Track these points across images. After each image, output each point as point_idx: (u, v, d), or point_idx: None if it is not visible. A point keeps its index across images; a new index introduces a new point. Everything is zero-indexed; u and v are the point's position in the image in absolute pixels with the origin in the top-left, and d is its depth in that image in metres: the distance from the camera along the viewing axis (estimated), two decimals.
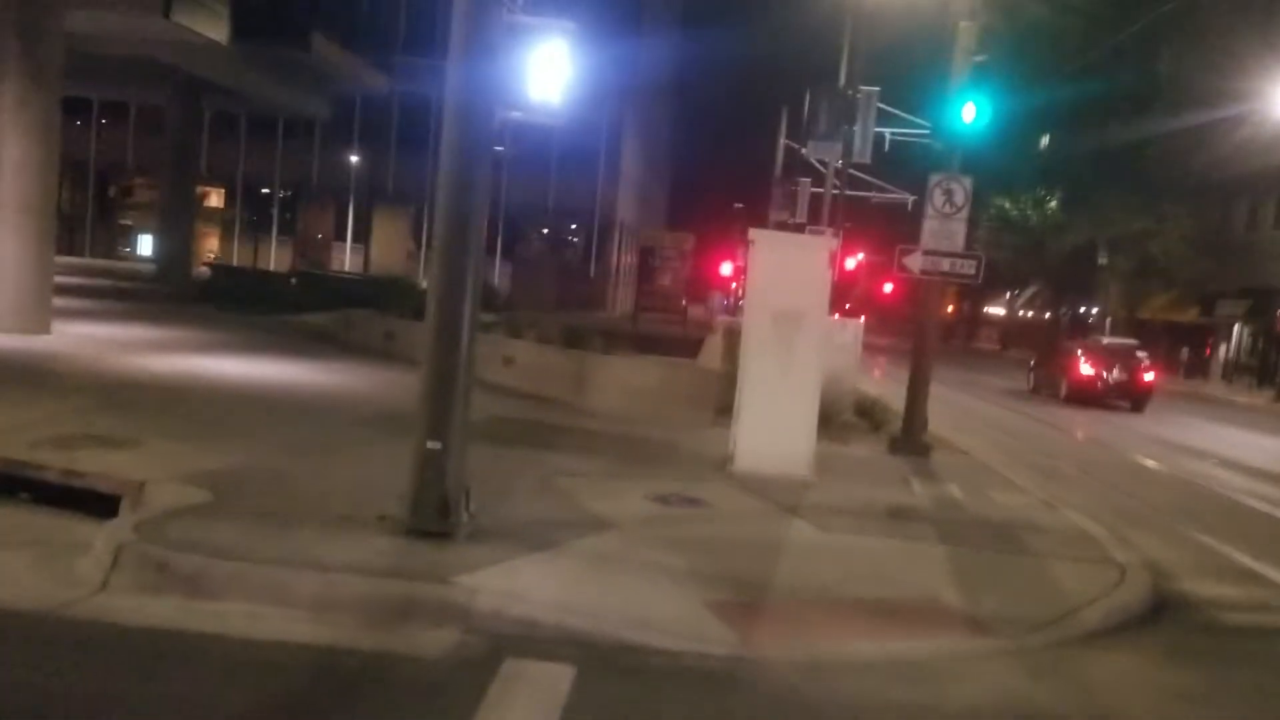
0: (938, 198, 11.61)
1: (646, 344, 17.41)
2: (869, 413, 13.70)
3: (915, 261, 11.61)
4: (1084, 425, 19.50)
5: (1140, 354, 24.65)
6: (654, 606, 5.48)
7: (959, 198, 11.57)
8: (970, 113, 11.64)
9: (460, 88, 6.07)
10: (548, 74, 5.84)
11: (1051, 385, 24.85)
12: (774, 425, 9.22)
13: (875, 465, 10.84)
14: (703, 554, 6.55)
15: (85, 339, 14.73)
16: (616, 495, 7.90)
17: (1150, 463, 14.49)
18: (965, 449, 12.74)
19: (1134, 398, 23.58)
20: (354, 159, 45.05)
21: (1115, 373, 23.46)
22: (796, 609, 5.80)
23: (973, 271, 11.71)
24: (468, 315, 6.15)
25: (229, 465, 7.52)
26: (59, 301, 16.04)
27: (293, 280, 30.96)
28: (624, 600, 5.53)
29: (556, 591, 5.51)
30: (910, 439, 11.68)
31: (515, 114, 5.90)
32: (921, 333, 12.17)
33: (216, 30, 19.76)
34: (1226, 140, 37.32)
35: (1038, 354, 29.32)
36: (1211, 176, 39.25)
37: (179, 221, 28.35)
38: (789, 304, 9.15)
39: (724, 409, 11.07)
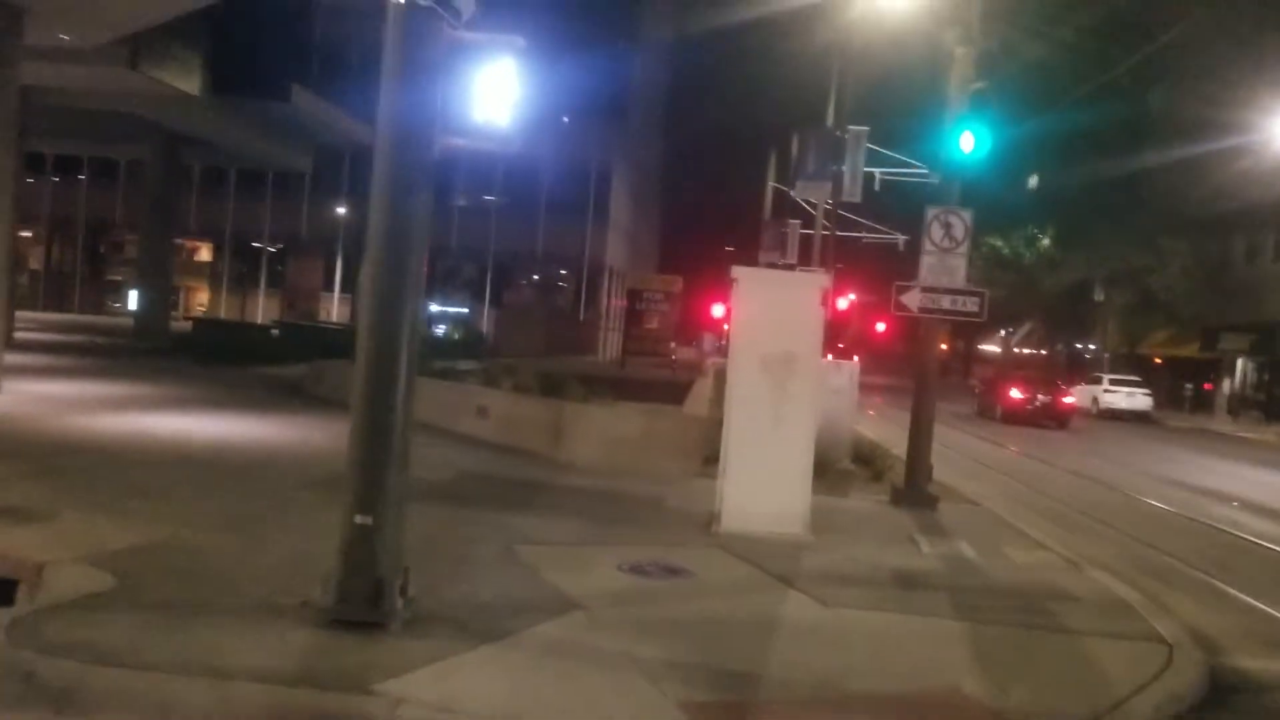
0: (936, 231, 10.81)
1: (631, 389, 16.56)
2: (869, 459, 12.80)
3: (913, 299, 10.78)
4: (1067, 456, 18.59)
5: (1060, 382, 30.64)
6: (620, 712, 4.56)
7: (958, 231, 10.78)
8: (969, 142, 10.90)
9: (395, 112, 5.25)
10: (495, 95, 5.01)
11: (990, 409, 29.11)
12: (765, 479, 8.32)
13: (878, 520, 9.92)
14: (682, 639, 5.63)
15: (37, 398, 13.84)
16: (586, 566, 6.98)
17: (1168, 507, 13.57)
18: (974, 498, 11.81)
19: (1056, 418, 27.91)
20: (341, 210, 44.56)
21: (1040, 397, 28.19)
22: (790, 712, 4.87)
23: (975, 309, 10.89)
24: (404, 367, 5.29)
25: (147, 541, 6.60)
26: (21, 359, 15.25)
27: (274, 331, 30.11)
28: (585, 704, 4.61)
29: (503, 698, 4.58)
30: (914, 489, 10.77)
31: (458, 141, 5.05)
32: (922, 374, 11.30)
33: (188, 82, 19.12)
34: (1224, 173, 36.83)
35: (982, 384, 33.78)
36: (1209, 210, 38.72)
37: (158, 276, 27.61)
38: (779, 347, 8.30)
39: (712, 458, 10.21)
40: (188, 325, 31.39)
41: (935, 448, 11.29)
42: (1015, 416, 27.45)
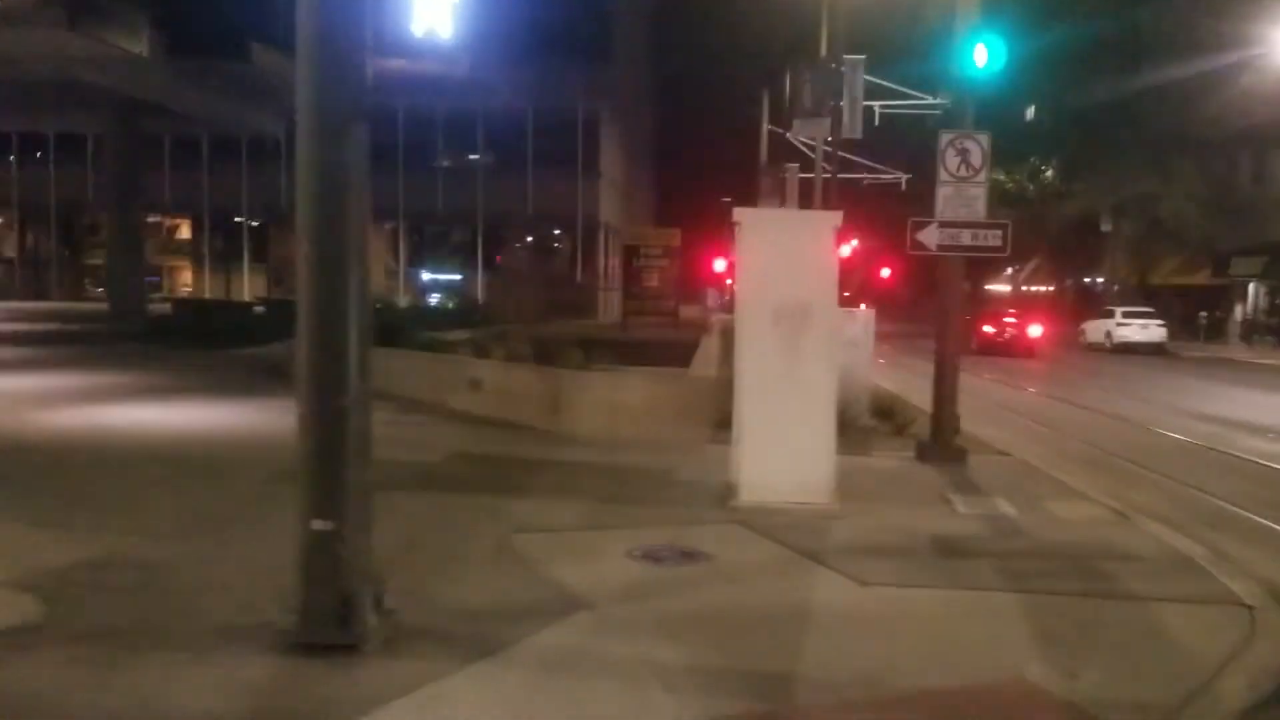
0: (951, 159, 9.95)
1: (634, 352, 15.74)
2: (888, 413, 12.02)
3: (931, 236, 9.95)
4: (1088, 393, 17.82)
5: (1028, 318, 33.31)
6: None
7: (976, 158, 9.92)
8: (983, 55, 10.01)
9: (316, 29, 4.39)
10: (434, 4, 4.14)
11: (968, 343, 31.12)
12: (784, 445, 7.55)
13: (906, 479, 9.17)
14: (704, 638, 4.90)
15: None
16: (593, 555, 6.24)
17: (1203, 444, 12.82)
18: (1003, 448, 11.05)
19: (1023, 350, 30.83)
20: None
21: (1009, 332, 31.59)
22: (838, 717, 4.15)
23: (999, 243, 10.05)
24: (355, 339, 4.50)
25: (90, 556, 5.85)
26: None
27: (258, 309, 29.19)
28: None
29: None
30: (942, 443, 10.00)
31: (395, 62, 4.19)
32: (944, 319, 10.48)
33: (134, 43, 18.07)
34: (1228, 91, 35.72)
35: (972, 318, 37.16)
36: (1215, 131, 37.62)
37: (129, 255, 26.57)
38: (791, 297, 7.49)
39: (724, 421, 9.44)
40: (168, 307, 30.46)
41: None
42: (988, 349, 30.46)
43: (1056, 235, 46.61)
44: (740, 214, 7.68)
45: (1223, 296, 39.38)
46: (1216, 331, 38.53)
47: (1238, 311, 38.55)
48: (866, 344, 11.89)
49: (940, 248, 9.93)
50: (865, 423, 11.27)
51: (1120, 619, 5.40)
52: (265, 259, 46.02)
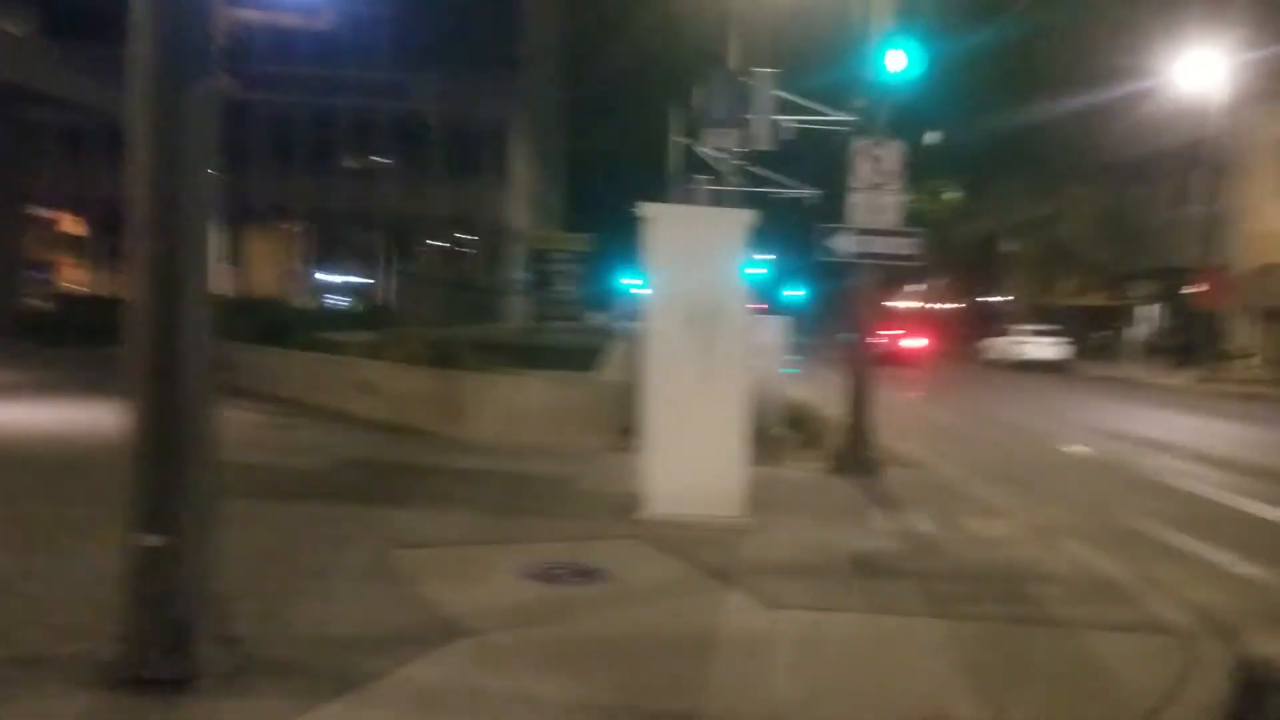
0: (863, 167, 9.64)
1: (539, 357, 15.13)
2: (799, 422, 11.67)
3: (844, 242, 9.62)
4: (995, 408, 17.86)
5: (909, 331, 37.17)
6: None
7: (889, 164, 9.64)
8: (899, 60, 9.71)
9: None
10: None
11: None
12: (693, 454, 7.06)
13: (820, 491, 8.78)
14: (599, 668, 4.35)
15: None
16: (480, 574, 5.64)
17: (1111, 461, 12.78)
18: (917, 460, 10.77)
19: (907, 360, 33.35)
20: (217, 175, 41.53)
21: (895, 343, 33.71)
22: None
23: (911, 251, 9.80)
24: (190, 331, 3.85)
25: None
26: None
27: None
28: None
29: None
30: (856, 455, 9.66)
31: (247, 11, 3.61)
32: (860, 329, 10.15)
33: (10, 22, 16.81)
34: (1125, 120, 36.76)
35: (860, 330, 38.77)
36: (1113, 157, 38.69)
37: (3, 250, 24.95)
38: (702, 299, 7.02)
39: (630, 428, 8.93)
40: (47, 304, 28.75)
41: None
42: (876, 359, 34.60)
43: (961, 254, 47.43)
44: (648, 209, 7.16)
45: (1118, 317, 40.43)
46: (1112, 351, 39.51)
47: (1133, 332, 39.57)
48: (779, 351, 11.51)
49: (854, 255, 9.59)
50: (777, 432, 10.87)
51: (1049, 648, 5.02)
52: None
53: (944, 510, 8.14)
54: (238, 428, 10.65)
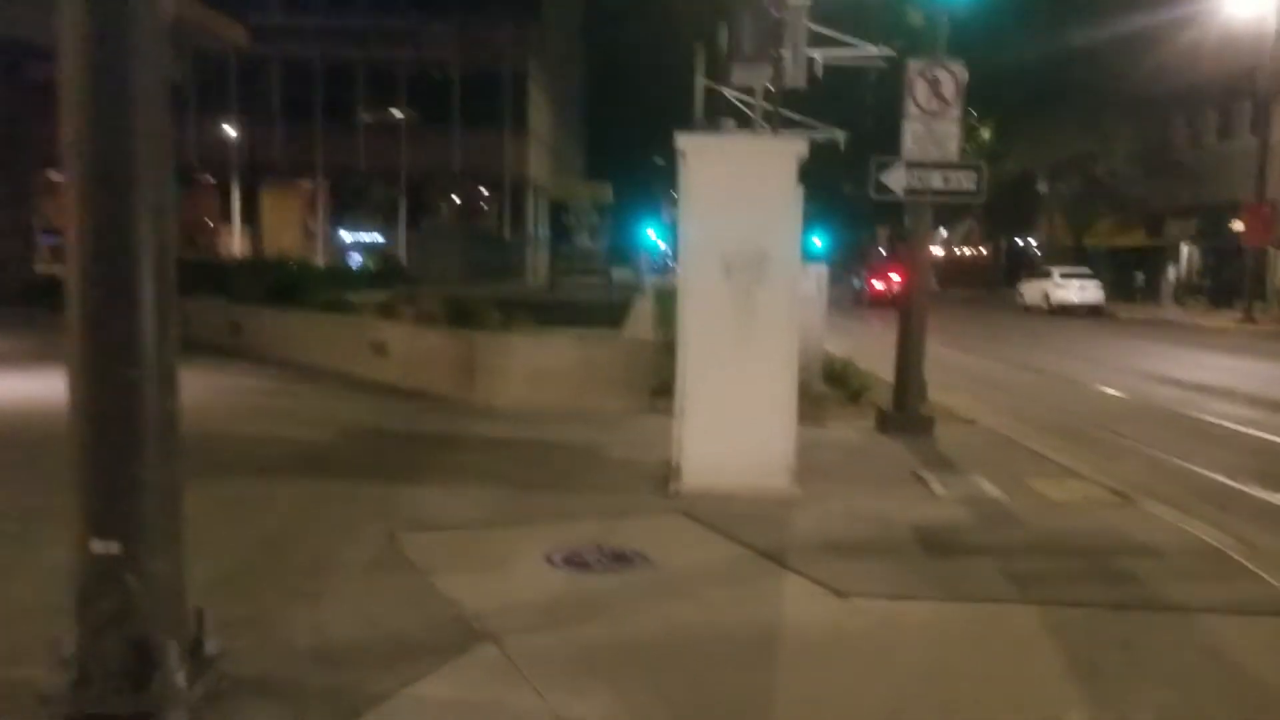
0: (920, 91, 8.78)
1: (562, 314, 14.46)
2: (841, 379, 10.93)
3: (897, 178, 8.79)
4: (1036, 355, 17.01)
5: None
6: None
7: (949, 89, 8.76)
8: None
9: None
10: None
11: (863, 297, 37.92)
12: (735, 420, 6.36)
13: (870, 453, 8.07)
14: (647, 679, 3.69)
15: None
16: (501, 560, 4.98)
17: (1173, 409, 11.98)
18: (968, 416, 10.02)
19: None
20: (232, 133, 40.83)
21: (895, 287, 32.53)
22: None
23: (972, 186, 8.95)
24: (149, 301, 3.14)
25: None
26: None
27: None
28: None
29: None
30: (906, 413, 8.93)
31: None
32: (913, 275, 9.36)
33: None
34: (1165, 50, 35.29)
35: (866, 275, 40.54)
36: (1152, 91, 37.23)
37: (11, 213, 24.32)
38: (747, 243, 6.27)
39: (662, 389, 8.27)
40: (58, 269, 28.15)
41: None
42: (876, 302, 35.01)
43: (990, 196, 46.26)
44: (686, 142, 6.38)
45: (1157, 258, 39.22)
46: (1150, 293, 38.37)
47: (1170, 273, 38.41)
48: (821, 301, 10.74)
49: (907, 192, 8.78)
50: (819, 389, 10.14)
51: (1168, 640, 4.29)
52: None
53: (1008, 471, 7.41)
54: (238, 394, 10.08)
